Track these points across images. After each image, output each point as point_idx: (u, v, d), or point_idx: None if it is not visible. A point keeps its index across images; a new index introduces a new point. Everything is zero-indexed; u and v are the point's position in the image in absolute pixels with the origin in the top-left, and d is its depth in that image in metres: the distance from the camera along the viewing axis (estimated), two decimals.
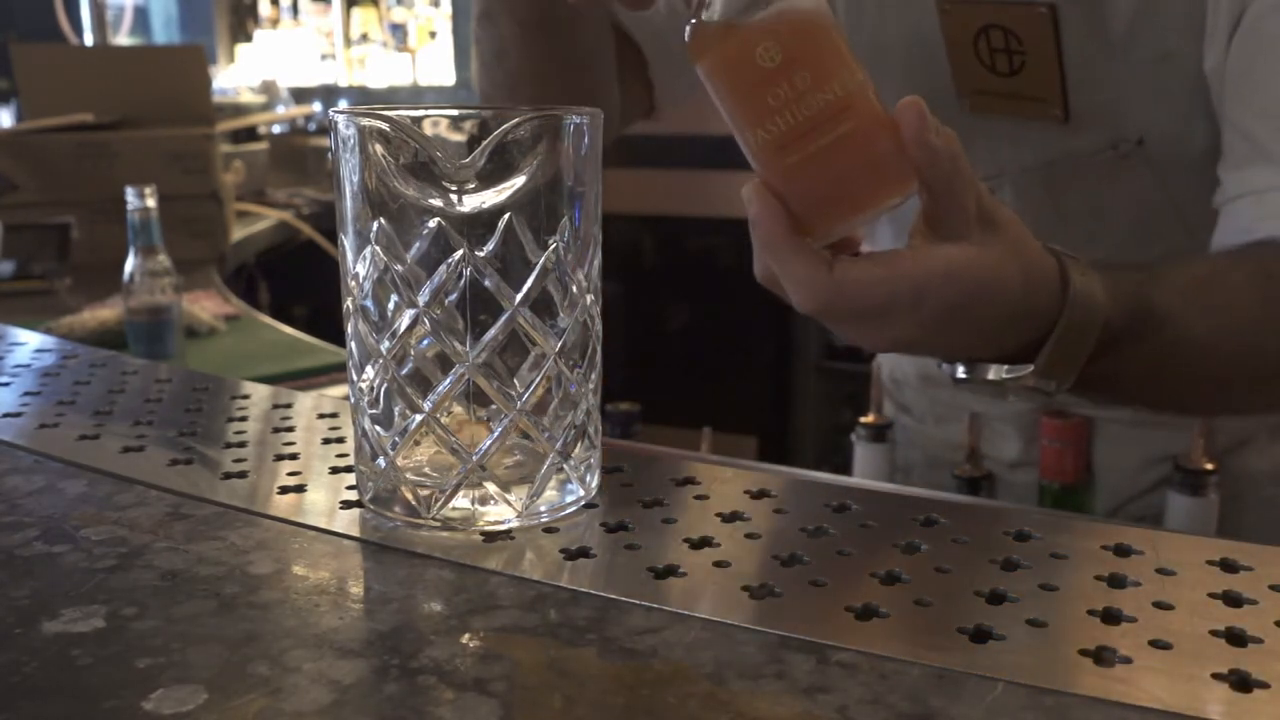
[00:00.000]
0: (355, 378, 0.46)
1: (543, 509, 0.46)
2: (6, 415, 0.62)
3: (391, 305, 0.44)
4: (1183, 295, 0.59)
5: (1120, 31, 0.74)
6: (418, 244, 0.43)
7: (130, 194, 1.18)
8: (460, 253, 0.43)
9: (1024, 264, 0.52)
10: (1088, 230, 0.82)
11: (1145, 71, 0.74)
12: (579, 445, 0.47)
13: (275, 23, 4.13)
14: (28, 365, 0.74)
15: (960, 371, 0.57)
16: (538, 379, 0.45)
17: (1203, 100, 0.73)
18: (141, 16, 4.18)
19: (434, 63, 3.89)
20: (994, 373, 0.55)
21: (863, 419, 0.98)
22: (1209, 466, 0.84)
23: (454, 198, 0.42)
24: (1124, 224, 0.81)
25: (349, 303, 0.46)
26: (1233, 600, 0.39)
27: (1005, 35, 0.75)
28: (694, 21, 0.49)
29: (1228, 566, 0.42)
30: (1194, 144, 0.75)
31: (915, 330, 0.51)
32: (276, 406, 0.64)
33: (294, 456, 0.55)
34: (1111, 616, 0.38)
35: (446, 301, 0.43)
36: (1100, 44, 0.74)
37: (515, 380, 0.45)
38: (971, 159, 0.50)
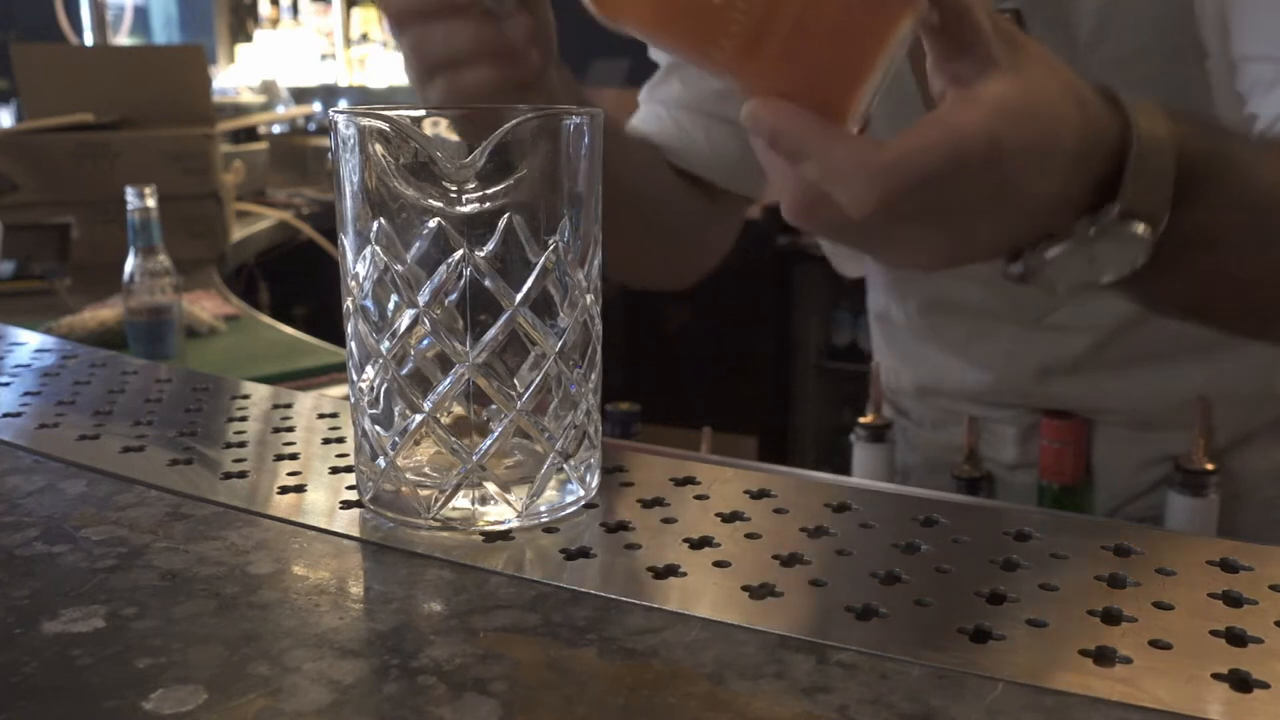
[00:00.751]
0: (355, 378, 0.46)
1: (543, 509, 0.46)
2: (6, 415, 0.62)
3: (391, 305, 0.44)
4: (1257, 151, 0.54)
5: (1088, 31, 0.73)
6: (418, 244, 0.43)
7: (130, 194, 1.18)
8: (460, 253, 0.43)
9: (1066, 82, 0.46)
10: None
11: (1112, 70, 0.74)
12: (579, 445, 0.47)
13: (275, 23, 4.13)
14: (28, 365, 0.74)
15: (1047, 251, 0.48)
16: (538, 379, 0.45)
17: (1171, 95, 0.73)
18: (141, 16, 4.18)
19: None
20: (1079, 231, 0.48)
21: (862, 419, 0.98)
22: (1209, 467, 0.84)
23: (454, 198, 0.42)
24: None
25: (349, 303, 0.46)
26: (1233, 600, 0.39)
27: None
28: None
29: (1228, 566, 0.42)
30: None
31: (992, 195, 0.43)
32: (276, 406, 0.64)
33: (294, 456, 0.55)
34: (1111, 616, 0.38)
35: (446, 301, 0.43)
36: (1066, 45, 0.74)
37: (515, 380, 0.45)
38: None
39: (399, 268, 0.43)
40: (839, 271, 1.08)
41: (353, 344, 0.46)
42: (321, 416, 0.62)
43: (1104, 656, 0.35)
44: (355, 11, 4.05)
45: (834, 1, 0.41)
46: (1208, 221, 0.49)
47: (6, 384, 0.70)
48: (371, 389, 0.45)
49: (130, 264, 1.20)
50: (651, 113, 0.95)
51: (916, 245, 0.46)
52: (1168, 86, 0.72)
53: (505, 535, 0.45)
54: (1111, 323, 0.87)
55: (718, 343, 2.94)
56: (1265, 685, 0.34)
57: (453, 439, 0.44)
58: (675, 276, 1.06)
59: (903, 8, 0.41)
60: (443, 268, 0.43)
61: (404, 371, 0.45)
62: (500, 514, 0.45)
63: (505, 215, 0.43)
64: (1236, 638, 0.36)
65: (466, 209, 0.42)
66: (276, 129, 2.97)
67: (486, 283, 0.43)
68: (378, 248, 0.43)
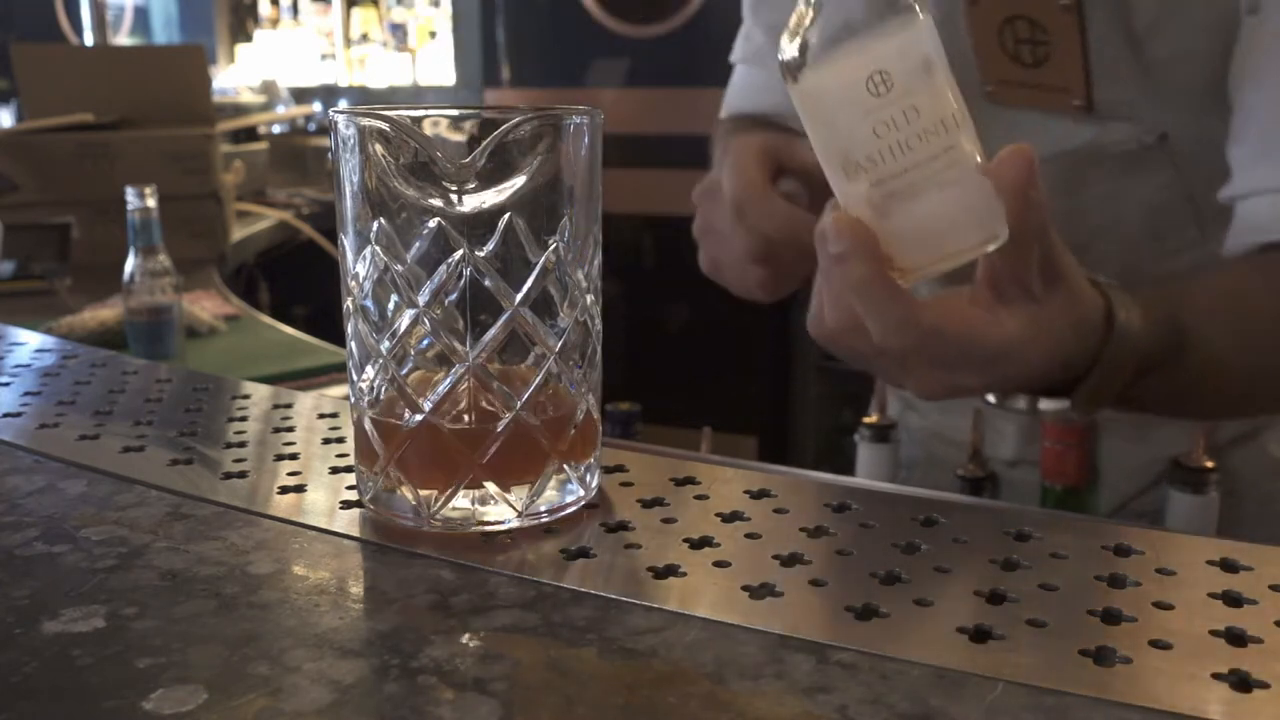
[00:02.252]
0: (355, 378, 0.46)
1: (543, 509, 0.46)
2: (6, 415, 0.62)
3: (391, 305, 0.44)
4: (1209, 315, 0.62)
5: (1143, 27, 0.74)
6: (418, 244, 0.43)
7: (130, 194, 1.18)
8: (460, 253, 0.43)
9: (1076, 319, 0.55)
10: (1105, 222, 0.82)
11: (1167, 68, 0.74)
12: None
13: (275, 23, 4.13)
14: (28, 365, 0.74)
15: (992, 399, 0.62)
16: (538, 379, 0.45)
17: (1225, 100, 0.73)
18: (141, 16, 4.18)
19: (434, 63, 3.89)
20: (1026, 403, 0.61)
21: (866, 419, 0.98)
22: (1209, 465, 0.84)
23: (454, 198, 0.42)
24: (1139, 218, 0.82)
25: (349, 303, 0.46)
26: (1233, 600, 0.39)
27: (1030, 26, 0.76)
28: (797, 41, 0.47)
29: (1228, 566, 0.42)
30: (1216, 142, 0.75)
31: (977, 380, 0.55)
32: (276, 406, 0.64)
33: (294, 456, 0.55)
34: (1111, 616, 0.38)
35: (446, 301, 0.43)
36: (1123, 38, 0.74)
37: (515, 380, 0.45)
38: (989, 148, 0.50)
39: (399, 268, 0.43)
40: None
41: (353, 344, 0.46)
42: (321, 416, 0.62)
43: (1104, 656, 0.35)
44: (355, 11, 4.05)
45: (955, 199, 0.47)
46: (1144, 393, 0.61)
47: (6, 384, 0.70)
48: (371, 389, 0.45)
49: (130, 264, 1.20)
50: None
51: (920, 379, 0.56)
52: (1218, 87, 0.73)
53: (505, 535, 0.45)
54: None
55: (718, 343, 2.94)
56: (1265, 685, 0.34)
57: (453, 439, 0.44)
58: None
59: (990, 237, 0.49)
60: (443, 268, 0.43)
61: (404, 371, 0.45)
62: (500, 514, 0.45)
63: (505, 215, 0.43)
64: (1236, 638, 0.36)
65: (466, 209, 0.42)
66: (276, 129, 2.97)
67: (486, 283, 0.43)
68: (378, 248, 0.43)
